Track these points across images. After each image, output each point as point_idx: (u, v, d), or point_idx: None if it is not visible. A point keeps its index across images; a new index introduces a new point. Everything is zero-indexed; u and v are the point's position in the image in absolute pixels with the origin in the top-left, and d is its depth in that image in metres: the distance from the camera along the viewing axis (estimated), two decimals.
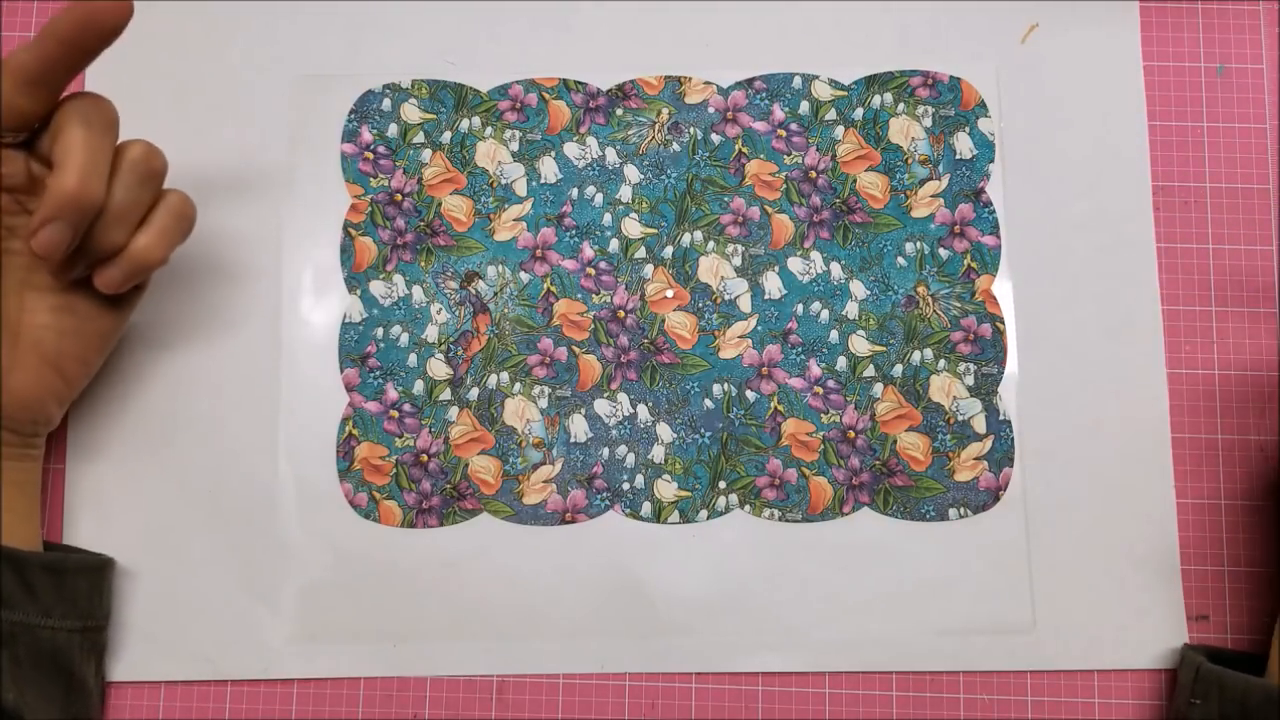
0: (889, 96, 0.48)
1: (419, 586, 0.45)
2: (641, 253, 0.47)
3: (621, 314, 0.47)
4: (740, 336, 0.47)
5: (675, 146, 0.48)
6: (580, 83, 0.48)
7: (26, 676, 0.40)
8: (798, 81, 0.48)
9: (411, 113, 0.48)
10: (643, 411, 0.46)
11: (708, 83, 0.48)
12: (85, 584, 0.42)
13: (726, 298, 0.47)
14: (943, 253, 0.47)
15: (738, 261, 0.47)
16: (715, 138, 0.48)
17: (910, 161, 0.48)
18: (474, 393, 0.46)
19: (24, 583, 0.40)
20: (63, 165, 0.37)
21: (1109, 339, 0.46)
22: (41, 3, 0.49)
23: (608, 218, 0.47)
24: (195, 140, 0.48)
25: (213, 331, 0.46)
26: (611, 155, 0.48)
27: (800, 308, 0.47)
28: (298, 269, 0.47)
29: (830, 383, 0.46)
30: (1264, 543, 0.45)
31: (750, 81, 0.48)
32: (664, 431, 0.46)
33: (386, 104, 0.48)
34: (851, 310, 0.47)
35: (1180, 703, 0.41)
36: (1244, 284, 0.46)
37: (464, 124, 0.48)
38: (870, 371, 0.46)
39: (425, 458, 0.46)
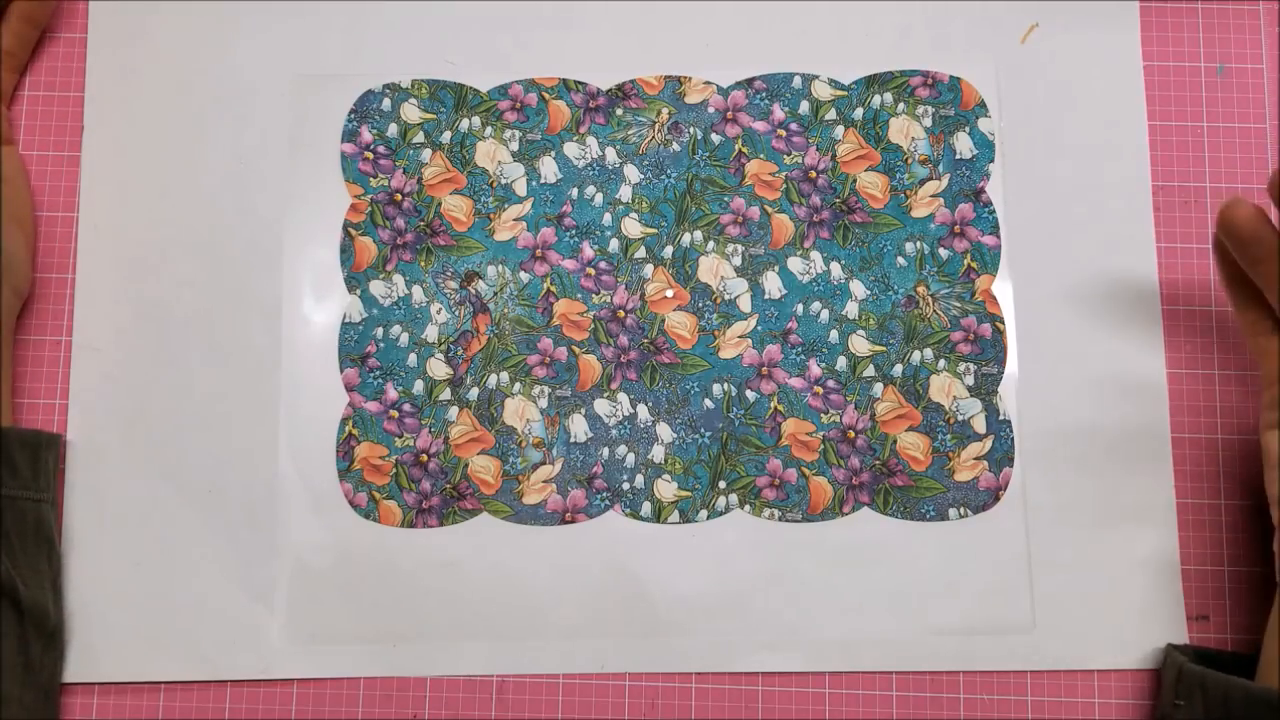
0: (889, 96, 0.48)
1: (419, 586, 0.45)
2: (641, 253, 0.47)
3: (621, 314, 0.47)
4: (740, 336, 0.47)
5: (675, 146, 0.48)
6: (580, 83, 0.48)
7: (19, 549, 0.42)
8: (798, 81, 0.48)
9: (411, 113, 0.48)
10: (643, 411, 0.46)
11: (708, 83, 0.48)
12: (50, 459, 0.44)
13: (726, 298, 0.47)
14: (943, 253, 0.47)
15: (738, 261, 0.47)
16: (715, 138, 0.48)
17: (910, 161, 0.48)
18: (474, 393, 0.46)
19: (8, 458, 0.42)
20: None
21: (1109, 339, 0.46)
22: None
23: (608, 218, 0.47)
24: (195, 140, 0.48)
25: (213, 331, 0.46)
26: (611, 155, 0.48)
27: (800, 308, 0.47)
28: (298, 269, 0.47)
29: (830, 383, 0.46)
30: (1264, 543, 0.45)
31: (750, 81, 0.48)
32: (664, 431, 0.46)
33: (386, 104, 0.48)
34: (851, 310, 0.47)
35: (1164, 704, 0.41)
36: None
37: (464, 124, 0.48)
38: (870, 371, 0.46)
39: (425, 458, 0.46)
